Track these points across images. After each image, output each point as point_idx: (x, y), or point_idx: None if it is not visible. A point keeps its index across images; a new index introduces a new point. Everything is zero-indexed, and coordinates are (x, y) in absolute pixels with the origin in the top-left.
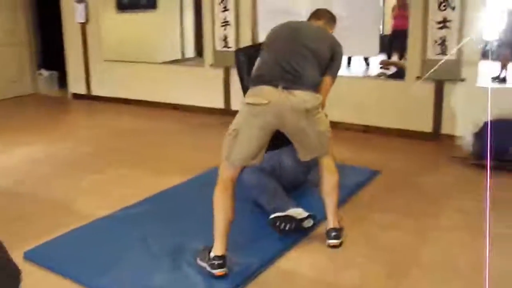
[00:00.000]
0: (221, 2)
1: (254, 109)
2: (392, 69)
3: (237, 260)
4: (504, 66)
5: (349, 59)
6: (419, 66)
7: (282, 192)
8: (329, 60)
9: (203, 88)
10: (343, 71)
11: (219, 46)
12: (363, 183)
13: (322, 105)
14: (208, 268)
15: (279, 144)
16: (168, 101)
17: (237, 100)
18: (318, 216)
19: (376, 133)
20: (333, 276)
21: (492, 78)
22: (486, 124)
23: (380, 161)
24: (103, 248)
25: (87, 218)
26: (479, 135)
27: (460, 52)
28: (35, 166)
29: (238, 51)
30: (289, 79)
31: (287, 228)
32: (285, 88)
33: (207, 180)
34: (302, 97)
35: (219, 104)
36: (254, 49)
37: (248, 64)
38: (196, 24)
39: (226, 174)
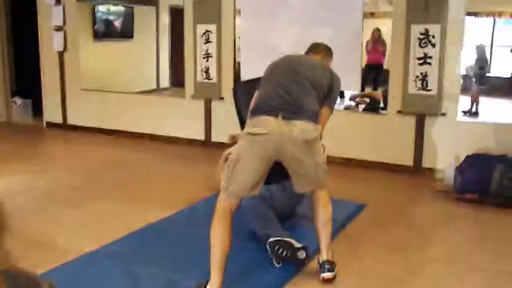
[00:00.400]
0: (203, 34)
1: (254, 139)
2: (366, 100)
3: None
4: (474, 101)
5: None
6: (400, 101)
7: (275, 219)
8: (327, 92)
9: (183, 119)
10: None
11: (200, 77)
12: (351, 217)
13: (320, 136)
14: None
15: (275, 179)
16: (146, 131)
17: (218, 132)
18: (310, 249)
19: (357, 166)
20: None
21: (463, 112)
22: (467, 158)
23: (364, 195)
24: (90, 287)
25: (70, 255)
26: (461, 169)
27: (440, 87)
28: (11, 199)
29: (236, 86)
30: (289, 109)
31: (284, 254)
32: (285, 118)
33: (193, 214)
34: (302, 127)
35: (200, 135)
36: (252, 83)
37: (246, 98)
38: (171, 54)
39: (224, 204)
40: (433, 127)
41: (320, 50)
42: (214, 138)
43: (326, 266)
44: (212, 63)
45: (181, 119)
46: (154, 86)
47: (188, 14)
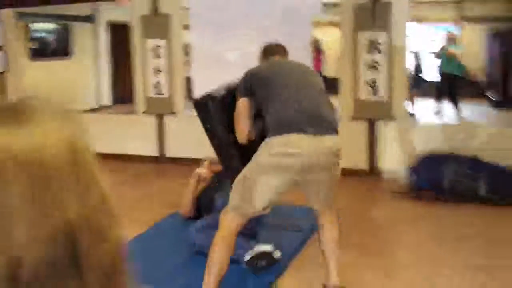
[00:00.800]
0: (153, 49)
1: (283, 160)
2: None
3: None
4: (411, 102)
5: None
6: (352, 107)
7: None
8: None
9: (135, 135)
10: None
11: (151, 92)
12: (316, 224)
13: None
14: None
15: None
16: (96, 150)
17: (172, 147)
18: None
19: None
20: None
21: None
22: (420, 158)
23: None
24: None
25: None
26: (415, 169)
27: (390, 92)
28: None
29: (210, 101)
30: (314, 124)
31: (263, 264)
32: (315, 134)
33: (162, 231)
34: (332, 142)
35: (153, 152)
36: (226, 99)
37: (221, 114)
38: (113, 71)
39: (231, 225)
40: (384, 130)
41: (283, 50)
42: (168, 154)
43: None
44: (163, 78)
45: (133, 136)
46: (94, 105)
47: (136, 29)
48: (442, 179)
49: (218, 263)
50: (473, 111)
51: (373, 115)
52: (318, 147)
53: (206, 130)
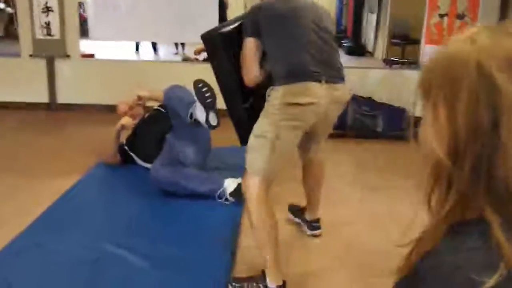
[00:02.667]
0: None
1: (300, 110)
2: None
3: None
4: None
5: (138, 45)
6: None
7: (203, 172)
8: None
9: (21, 81)
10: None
11: (40, 34)
12: None
13: None
14: None
15: None
16: None
17: (64, 93)
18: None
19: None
20: None
21: None
22: None
23: None
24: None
25: None
26: None
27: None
28: None
29: (215, 33)
30: (328, 72)
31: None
32: (328, 82)
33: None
34: (343, 91)
35: (43, 98)
36: (233, 35)
37: (229, 49)
38: None
39: (262, 191)
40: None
41: None
42: (60, 100)
43: (317, 224)
44: (54, 18)
45: (18, 81)
46: None
47: None
48: (346, 118)
49: (264, 228)
50: None
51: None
52: (332, 95)
53: (214, 68)
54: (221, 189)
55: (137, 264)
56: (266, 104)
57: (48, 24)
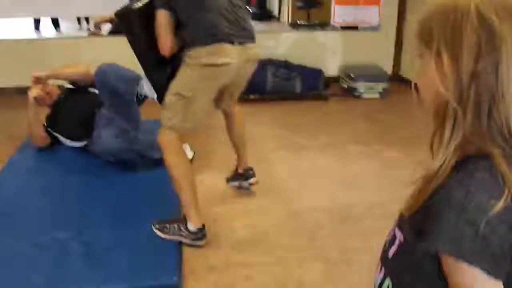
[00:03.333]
0: None
1: (215, 70)
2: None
3: None
4: None
5: (38, 21)
6: None
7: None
8: None
9: None
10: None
11: None
12: None
13: None
14: (189, 241)
15: None
16: None
17: None
18: None
19: None
20: None
21: None
22: None
23: None
24: None
25: None
26: None
27: None
28: None
29: (130, 15)
30: (240, 34)
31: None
32: (240, 43)
33: (24, 164)
34: (254, 50)
35: None
36: (147, 3)
37: (143, 23)
38: None
39: (177, 142)
40: None
41: None
42: None
43: (251, 172)
44: None
45: None
46: None
47: None
48: (265, 82)
49: (187, 178)
50: None
51: None
52: (244, 55)
53: (130, 42)
54: None
55: (79, 250)
56: (182, 64)
57: None
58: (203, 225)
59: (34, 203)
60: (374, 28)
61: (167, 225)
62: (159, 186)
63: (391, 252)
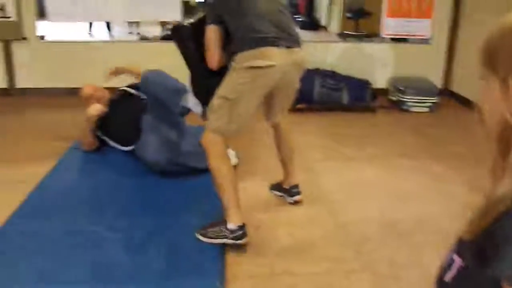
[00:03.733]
0: None
1: (259, 73)
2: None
3: None
4: None
5: (91, 25)
6: None
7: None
8: None
9: None
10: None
11: None
12: None
13: None
14: (231, 241)
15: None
16: None
17: (24, 76)
18: None
19: None
20: None
21: None
22: None
23: None
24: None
25: None
26: None
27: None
28: None
29: (180, 29)
30: (286, 38)
31: None
32: (286, 47)
33: (71, 166)
34: (301, 53)
35: (1, 83)
36: (198, 27)
37: (194, 38)
38: None
39: (222, 146)
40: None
41: None
42: (19, 85)
43: (296, 190)
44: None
45: None
46: None
47: None
48: (312, 91)
49: (230, 179)
50: None
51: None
52: (290, 59)
53: (182, 55)
54: None
55: (123, 246)
56: (229, 69)
57: (3, 6)
58: (244, 224)
59: (82, 201)
60: (425, 41)
61: (209, 229)
62: (204, 191)
63: (448, 277)
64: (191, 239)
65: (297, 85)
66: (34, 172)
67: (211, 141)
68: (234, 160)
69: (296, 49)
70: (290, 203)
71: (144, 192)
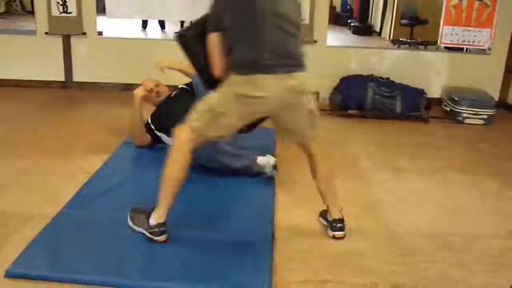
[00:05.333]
0: None
1: (249, 101)
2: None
3: None
4: None
5: (145, 22)
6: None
7: (235, 148)
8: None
9: (37, 59)
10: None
11: (56, 11)
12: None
13: None
14: (150, 235)
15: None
16: None
17: (81, 70)
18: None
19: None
20: None
21: None
22: (343, 79)
23: None
24: (85, 241)
25: (35, 220)
26: (340, 89)
27: (312, 16)
28: None
29: (185, 34)
30: (282, 62)
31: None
32: (281, 72)
33: (125, 159)
34: (302, 80)
35: (59, 76)
36: (199, 28)
37: (195, 46)
38: None
39: (189, 145)
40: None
41: None
42: (76, 78)
43: (338, 225)
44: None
45: (34, 59)
46: None
47: None
48: (365, 98)
49: (174, 177)
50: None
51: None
52: (286, 86)
53: (189, 60)
54: (253, 165)
55: (172, 246)
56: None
57: (64, 1)
58: (164, 222)
59: (134, 195)
60: (483, 51)
61: (138, 215)
62: (258, 191)
63: None
64: (240, 242)
65: (308, 107)
66: (89, 165)
67: (184, 136)
68: (269, 170)
69: (296, 74)
70: (330, 237)
71: (192, 190)
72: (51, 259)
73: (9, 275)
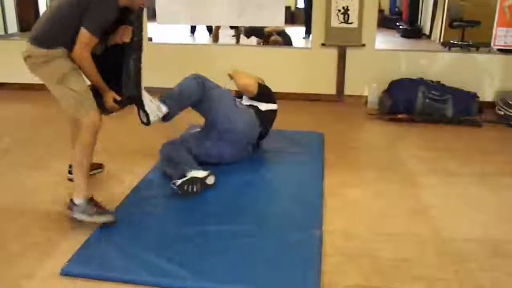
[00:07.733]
0: None
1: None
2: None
3: None
4: None
5: (193, 28)
6: (324, 34)
7: (188, 159)
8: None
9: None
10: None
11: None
12: (322, 145)
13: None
14: (86, 217)
15: None
16: None
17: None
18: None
19: (285, 99)
20: None
21: None
22: (393, 83)
23: (312, 124)
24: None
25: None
26: (389, 93)
27: (361, 19)
28: None
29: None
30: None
31: (194, 190)
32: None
33: None
34: (26, 48)
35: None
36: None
37: None
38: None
39: (98, 121)
40: (353, 57)
41: None
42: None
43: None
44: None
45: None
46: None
47: None
48: (415, 102)
49: (90, 155)
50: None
51: (344, 42)
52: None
53: None
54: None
55: (219, 247)
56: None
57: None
58: (92, 198)
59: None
60: None
61: (79, 205)
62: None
63: None
64: (288, 244)
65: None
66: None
67: (89, 115)
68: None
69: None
70: None
71: (247, 188)
72: (104, 259)
73: (65, 273)
